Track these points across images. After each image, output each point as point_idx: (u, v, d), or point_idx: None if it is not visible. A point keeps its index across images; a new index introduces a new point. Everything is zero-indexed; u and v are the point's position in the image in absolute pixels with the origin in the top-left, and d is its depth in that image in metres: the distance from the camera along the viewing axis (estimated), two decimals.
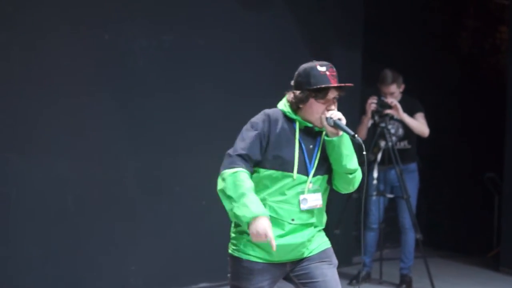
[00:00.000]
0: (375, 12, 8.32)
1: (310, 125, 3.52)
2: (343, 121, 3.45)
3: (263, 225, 3.25)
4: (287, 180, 3.47)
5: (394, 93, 6.67)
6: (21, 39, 5.42)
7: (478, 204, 9.30)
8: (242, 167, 3.39)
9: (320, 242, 3.63)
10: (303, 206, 3.48)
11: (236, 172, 3.37)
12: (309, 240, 3.55)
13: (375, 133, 6.62)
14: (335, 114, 3.46)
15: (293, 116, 3.53)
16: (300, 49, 6.99)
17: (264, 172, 3.48)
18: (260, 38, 6.72)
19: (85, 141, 5.73)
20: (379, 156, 6.66)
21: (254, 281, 3.52)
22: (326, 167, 3.56)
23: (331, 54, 7.44)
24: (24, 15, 5.42)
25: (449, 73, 9.51)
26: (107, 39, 5.82)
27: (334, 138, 3.45)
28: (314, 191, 3.51)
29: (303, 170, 3.49)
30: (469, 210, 9.33)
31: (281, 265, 3.57)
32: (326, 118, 3.46)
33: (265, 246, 3.45)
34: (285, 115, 3.55)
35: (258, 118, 3.54)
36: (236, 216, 3.31)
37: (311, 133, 3.54)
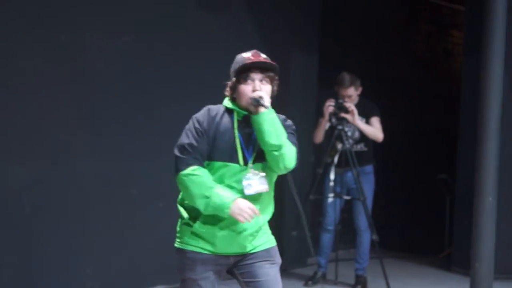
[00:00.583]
0: (332, 16, 8.41)
1: (246, 113, 3.59)
2: (266, 99, 3.51)
3: (243, 202, 3.44)
4: (228, 169, 3.53)
5: (351, 96, 6.75)
6: None
7: (430, 205, 9.45)
8: (194, 164, 3.49)
9: (265, 240, 3.68)
10: (248, 191, 3.52)
11: (192, 170, 3.48)
12: (252, 235, 3.60)
13: (332, 136, 6.68)
14: (257, 93, 3.53)
15: (230, 106, 3.62)
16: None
17: (206, 163, 3.55)
18: (219, 40, 6.73)
19: (41, 143, 5.67)
20: (336, 158, 6.72)
21: (198, 271, 3.58)
22: None
23: (288, 56, 7.51)
24: None
25: (403, 77, 9.64)
26: (63, 39, 5.77)
27: (255, 115, 3.51)
28: (257, 177, 3.56)
29: (243, 158, 3.55)
30: (421, 211, 9.48)
31: (225, 257, 3.62)
32: (250, 99, 3.54)
33: (208, 238, 3.54)
34: (226, 109, 3.64)
35: (199, 113, 3.63)
36: (215, 207, 3.44)
37: (250, 122, 3.59)
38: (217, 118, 3.59)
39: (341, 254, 7.24)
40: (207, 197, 3.44)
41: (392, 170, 8.86)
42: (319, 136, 6.84)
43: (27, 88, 5.58)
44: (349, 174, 6.74)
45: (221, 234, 3.53)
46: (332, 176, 6.74)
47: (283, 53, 7.40)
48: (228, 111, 3.64)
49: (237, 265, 3.65)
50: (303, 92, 7.70)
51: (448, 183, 9.04)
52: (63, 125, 5.78)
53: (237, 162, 3.54)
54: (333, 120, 6.67)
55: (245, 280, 3.64)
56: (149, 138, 6.22)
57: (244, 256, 3.64)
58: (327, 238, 6.95)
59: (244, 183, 3.52)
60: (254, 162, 3.56)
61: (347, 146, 6.63)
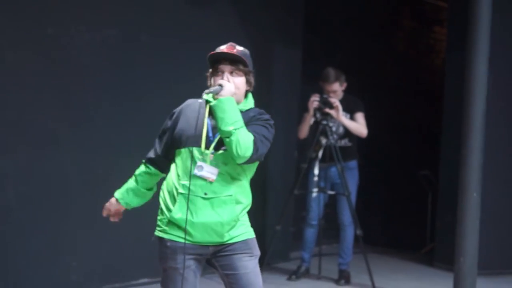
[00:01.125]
0: (315, 12, 8.43)
1: None
2: (225, 88, 3.56)
3: (108, 202, 4.11)
4: (192, 155, 3.59)
5: (336, 91, 6.77)
6: None
7: (412, 201, 9.49)
8: (147, 162, 3.91)
9: (243, 231, 3.69)
10: (196, 172, 3.57)
11: (141, 167, 3.97)
12: (228, 223, 3.61)
13: (317, 131, 6.70)
14: (218, 81, 3.60)
15: (205, 97, 3.67)
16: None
17: (177, 151, 3.68)
18: (202, 34, 6.72)
19: (27, 136, 5.64)
20: (321, 153, 6.74)
21: (178, 260, 3.60)
22: None
23: (272, 51, 7.52)
24: None
25: (386, 72, 9.68)
26: (49, 32, 5.75)
27: (211, 103, 3.60)
28: (213, 165, 3.59)
29: (207, 144, 3.61)
30: (403, 207, 9.52)
31: (203, 246, 3.63)
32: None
33: (187, 227, 3.57)
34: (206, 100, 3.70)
35: (177, 108, 3.81)
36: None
37: None
38: (191, 108, 3.71)
39: (324, 249, 7.26)
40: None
41: (375, 165, 8.90)
42: (304, 131, 6.86)
43: (13, 81, 5.54)
44: (334, 169, 6.76)
45: (196, 222, 3.56)
46: (316, 171, 6.76)
47: (267, 49, 7.41)
48: (205, 101, 3.70)
49: (216, 256, 3.67)
50: (287, 87, 7.71)
51: (430, 179, 9.09)
52: (48, 117, 5.75)
53: (199, 147, 3.60)
54: (318, 115, 6.68)
55: (224, 272, 3.67)
56: (133, 131, 6.20)
57: (222, 246, 3.65)
58: (310, 233, 6.96)
59: (198, 163, 3.58)
60: (215, 149, 3.60)
61: (332, 141, 6.65)
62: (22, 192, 5.62)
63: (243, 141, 3.52)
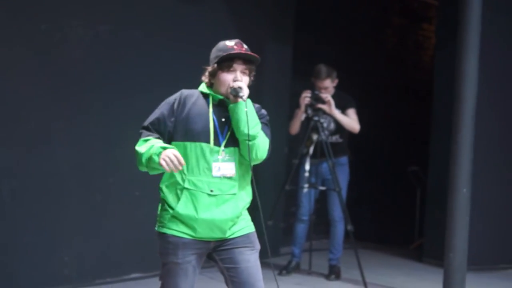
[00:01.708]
0: (306, 9, 8.47)
1: (221, 97, 3.66)
2: (245, 90, 3.59)
3: (171, 151, 3.44)
4: (200, 150, 3.59)
5: (328, 87, 6.80)
6: None
7: (401, 197, 9.55)
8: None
9: (244, 226, 3.72)
10: (215, 173, 3.58)
11: (143, 139, 3.60)
12: (232, 220, 3.64)
13: (308, 127, 6.73)
14: (237, 83, 3.61)
15: (206, 91, 3.69)
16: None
17: (177, 144, 3.62)
18: (194, 31, 6.76)
19: (20, 131, 5.66)
20: (312, 149, 6.77)
21: (179, 255, 3.62)
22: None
23: (263, 48, 7.54)
24: None
25: (375, 69, 9.73)
26: (43, 29, 5.76)
27: (232, 104, 3.60)
28: (227, 161, 3.62)
29: (216, 141, 3.61)
30: (392, 203, 9.58)
31: (205, 242, 3.65)
32: (230, 88, 3.61)
33: (188, 222, 3.58)
34: (201, 93, 3.72)
35: (172, 96, 3.73)
36: (149, 157, 3.49)
37: (225, 107, 3.67)
38: (191, 101, 3.68)
39: (314, 244, 7.30)
40: (147, 150, 3.50)
41: (364, 161, 8.94)
42: (295, 127, 6.89)
43: (7, 77, 5.55)
44: (325, 165, 6.79)
45: (201, 218, 3.57)
46: (307, 166, 6.79)
47: (258, 45, 7.41)
48: (204, 95, 3.71)
49: (217, 250, 3.69)
50: (277, 84, 7.74)
51: (419, 175, 9.15)
52: (42, 113, 5.77)
53: (209, 143, 3.60)
54: (309, 111, 6.71)
55: (225, 265, 3.68)
56: (126, 127, 6.18)
57: (223, 241, 3.67)
58: (301, 228, 7.00)
59: (213, 165, 3.59)
60: (226, 146, 3.63)
61: (323, 137, 6.68)
62: (15, 187, 5.63)
63: (262, 144, 3.61)
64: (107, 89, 6.15)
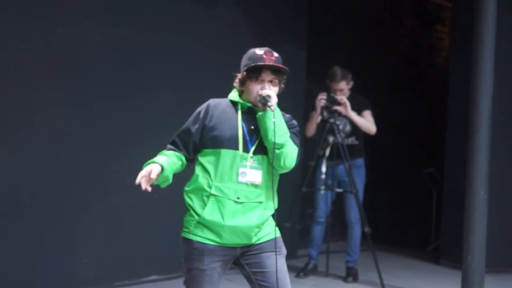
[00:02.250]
0: (320, 11, 8.47)
1: (250, 105, 3.69)
2: (273, 99, 3.61)
3: (150, 166, 3.57)
4: (228, 157, 3.61)
5: (343, 89, 6.80)
6: None
7: (418, 199, 9.53)
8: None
9: (270, 231, 3.72)
10: (241, 179, 3.60)
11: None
12: (258, 226, 3.65)
13: (324, 129, 6.74)
14: (265, 91, 3.63)
15: (235, 99, 3.72)
16: (246, 45, 6.95)
17: (206, 151, 3.66)
18: (208, 33, 6.78)
19: (39, 134, 5.70)
20: (328, 151, 6.78)
21: (205, 261, 3.63)
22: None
23: (277, 50, 7.44)
24: None
25: (389, 71, 9.72)
26: (60, 32, 5.79)
27: (260, 113, 3.62)
28: (255, 168, 3.64)
29: (245, 148, 3.64)
30: (408, 205, 9.56)
31: (231, 248, 3.67)
32: (258, 96, 3.63)
33: (215, 229, 3.60)
34: (230, 101, 3.75)
35: (200, 106, 3.75)
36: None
37: (254, 115, 3.69)
38: (219, 109, 3.71)
39: (331, 247, 7.30)
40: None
41: (379, 163, 8.94)
42: (311, 129, 6.90)
43: (25, 81, 5.59)
44: (341, 167, 6.79)
45: (227, 225, 3.58)
46: (323, 168, 6.79)
47: (273, 47, 7.27)
48: (233, 103, 3.75)
49: (244, 256, 3.70)
50: (292, 86, 7.69)
51: (435, 177, 9.13)
52: (60, 116, 5.81)
53: (238, 150, 3.62)
54: (325, 113, 6.72)
55: (252, 270, 3.69)
56: (143, 129, 6.25)
57: (250, 246, 3.69)
58: (318, 230, 7.00)
59: (240, 170, 3.61)
60: (254, 153, 3.64)
61: (339, 139, 6.68)
62: (34, 191, 5.67)
63: (290, 153, 3.62)
64: (124, 93, 6.18)
